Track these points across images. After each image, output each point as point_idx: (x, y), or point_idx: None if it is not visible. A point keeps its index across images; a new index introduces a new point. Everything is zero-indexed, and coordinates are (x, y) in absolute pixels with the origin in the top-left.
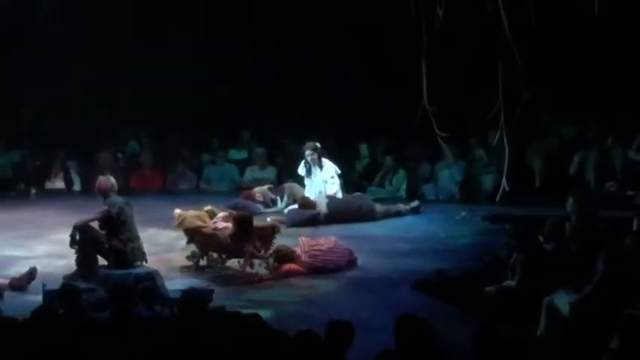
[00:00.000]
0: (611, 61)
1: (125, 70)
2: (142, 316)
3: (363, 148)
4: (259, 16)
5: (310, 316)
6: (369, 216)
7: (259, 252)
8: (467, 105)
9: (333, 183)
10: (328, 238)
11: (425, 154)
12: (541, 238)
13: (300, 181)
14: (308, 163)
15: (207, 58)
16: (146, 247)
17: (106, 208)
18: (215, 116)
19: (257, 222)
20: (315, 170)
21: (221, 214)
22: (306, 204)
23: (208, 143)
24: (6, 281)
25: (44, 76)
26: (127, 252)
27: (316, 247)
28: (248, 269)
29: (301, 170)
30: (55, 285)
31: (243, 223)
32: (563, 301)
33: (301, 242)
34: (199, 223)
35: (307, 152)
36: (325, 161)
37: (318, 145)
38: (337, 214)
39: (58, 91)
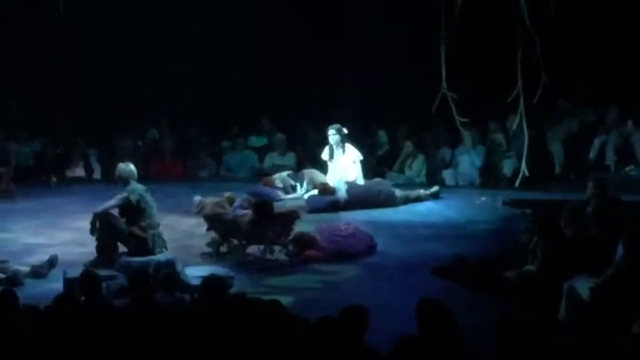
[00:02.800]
0: (631, 45)
1: (144, 59)
2: (163, 303)
3: (382, 135)
4: (279, 4)
5: (331, 302)
6: (388, 201)
7: (279, 238)
8: (486, 90)
9: (354, 168)
10: (348, 224)
11: (444, 139)
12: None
13: (321, 167)
14: (331, 146)
15: (226, 45)
16: (166, 234)
17: (126, 195)
18: (234, 103)
19: (277, 208)
20: (338, 153)
21: (240, 199)
22: (326, 190)
23: (228, 130)
24: (27, 269)
25: (64, 65)
26: (148, 239)
27: (336, 233)
28: (268, 255)
29: (325, 155)
30: (76, 272)
31: (263, 210)
32: (583, 286)
33: (321, 228)
34: (219, 210)
35: (331, 132)
36: (348, 146)
37: (343, 128)
38: (357, 199)
39: (78, 80)
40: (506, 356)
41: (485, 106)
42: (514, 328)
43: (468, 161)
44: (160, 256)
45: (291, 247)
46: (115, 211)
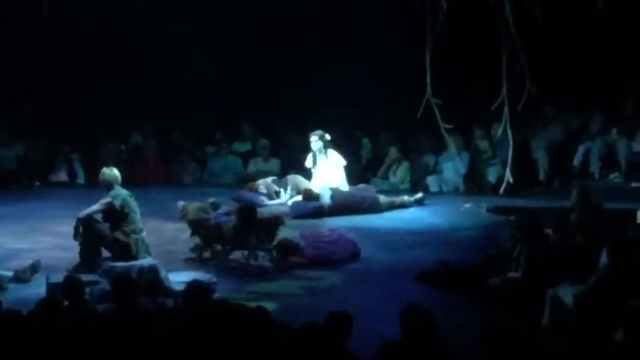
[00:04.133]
0: (616, 52)
1: (128, 63)
2: (146, 308)
3: (366, 143)
4: (262, 11)
5: (314, 308)
6: (373, 208)
7: (263, 244)
8: (471, 97)
9: (338, 174)
10: (332, 230)
11: (429, 145)
12: (548, 231)
13: (305, 173)
14: (314, 153)
15: (210, 50)
16: (150, 239)
17: (109, 200)
18: (218, 108)
19: (261, 214)
20: (321, 159)
21: (225, 207)
22: (310, 196)
23: (212, 135)
24: (10, 273)
25: (48, 69)
26: (131, 244)
27: (320, 239)
28: (252, 261)
29: (308, 162)
30: (59, 277)
31: (247, 215)
32: (567, 293)
33: (305, 234)
34: (203, 216)
35: (313, 138)
36: (331, 152)
37: (326, 134)
38: (341, 205)
39: (62, 84)
40: None
41: (470, 113)
42: (500, 335)
43: (453, 168)
44: (144, 261)
45: (274, 253)
46: (99, 216)
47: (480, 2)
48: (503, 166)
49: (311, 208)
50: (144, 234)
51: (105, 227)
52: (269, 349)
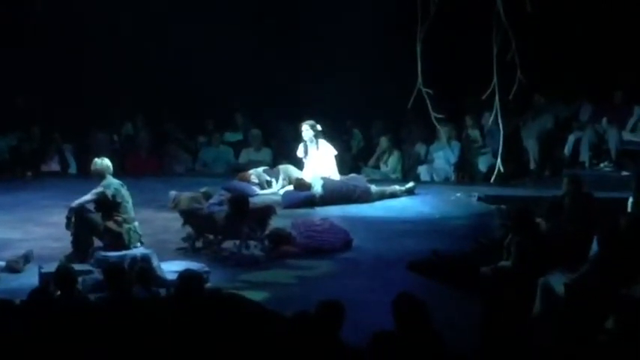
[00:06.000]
0: (606, 42)
1: (120, 53)
2: (138, 298)
3: (357, 134)
4: (255, 3)
5: (306, 297)
6: (364, 197)
7: (255, 233)
8: (462, 86)
9: (329, 164)
10: (323, 220)
11: (420, 135)
12: (539, 220)
13: (297, 163)
14: (306, 143)
15: (202, 41)
16: (142, 229)
17: (101, 189)
18: (210, 99)
19: (252, 204)
20: (312, 149)
21: (216, 196)
22: (301, 185)
23: (204, 125)
24: (2, 263)
25: (39, 59)
26: (123, 233)
27: (312, 229)
28: (244, 251)
29: (300, 152)
30: (51, 267)
31: (238, 205)
32: (558, 282)
33: (296, 224)
34: (195, 205)
35: (304, 127)
36: (322, 142)
37: (317, 125)
38: (332, 195)
39: (53, 74)
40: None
41: (461, 102)
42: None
43: (443, 157)
44: (136, 251)
45: (266, 243)
46: (91, 206)
47: None
48: (494, 155)
49: (302, 197)
50: (136, 223)
51: (97, 217)
52: (261, 338)
